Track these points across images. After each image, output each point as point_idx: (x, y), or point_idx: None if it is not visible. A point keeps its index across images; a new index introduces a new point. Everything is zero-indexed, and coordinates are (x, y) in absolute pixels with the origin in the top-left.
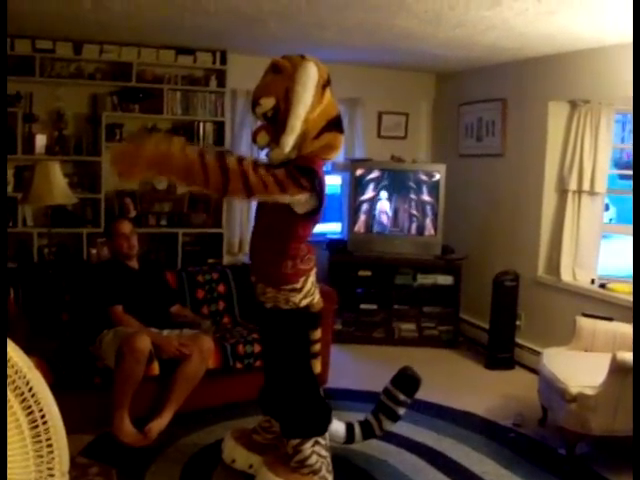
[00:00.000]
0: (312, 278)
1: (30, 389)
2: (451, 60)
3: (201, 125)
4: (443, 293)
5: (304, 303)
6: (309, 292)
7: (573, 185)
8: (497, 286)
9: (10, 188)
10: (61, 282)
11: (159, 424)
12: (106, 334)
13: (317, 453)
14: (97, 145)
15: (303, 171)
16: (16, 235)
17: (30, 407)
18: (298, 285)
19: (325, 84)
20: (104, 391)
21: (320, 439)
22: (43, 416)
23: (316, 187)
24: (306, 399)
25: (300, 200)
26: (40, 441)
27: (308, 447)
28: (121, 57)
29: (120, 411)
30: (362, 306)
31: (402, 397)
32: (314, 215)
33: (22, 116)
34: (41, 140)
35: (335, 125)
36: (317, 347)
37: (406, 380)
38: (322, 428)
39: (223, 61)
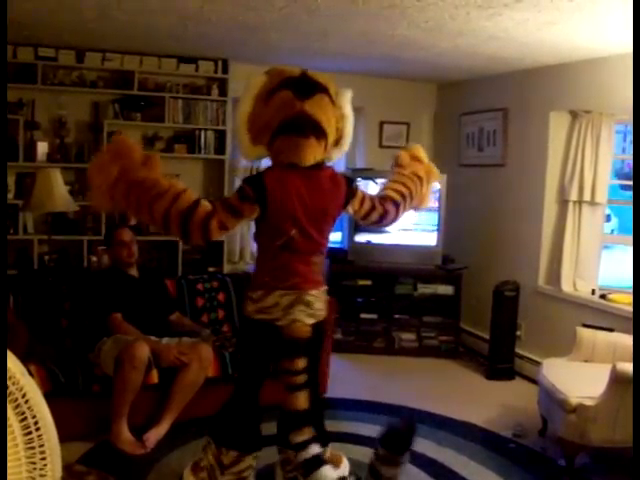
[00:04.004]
0: (280, 299)
1: (24, 395)
2: (452, 70)
3: (202, 134)
4: (443, 303)
5: (258, 317)
6: (267, 309)
7: (574, 195)
8: (497, 296)
9: (11, 195)
10: (61, 289)
11: (157, 432)
12: (105, 342)
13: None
14: None
15: (249, 181)
16: (16, 242)
17: (24, 413)
18: (254, 295)
19: (276, 87)
20: (103, 399)
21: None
22: (36, 422)
23: (261, 196)
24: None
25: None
26: (33, 447)
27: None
28: (123, 65)
29: (119, 419)
30: (362, 315)
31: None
32: (268, 222)
33: (24, 123)
34: (43, 147)
35: (283, 129)
36: (299, 379)
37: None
38: (219, 437)
39: (225, 70)
